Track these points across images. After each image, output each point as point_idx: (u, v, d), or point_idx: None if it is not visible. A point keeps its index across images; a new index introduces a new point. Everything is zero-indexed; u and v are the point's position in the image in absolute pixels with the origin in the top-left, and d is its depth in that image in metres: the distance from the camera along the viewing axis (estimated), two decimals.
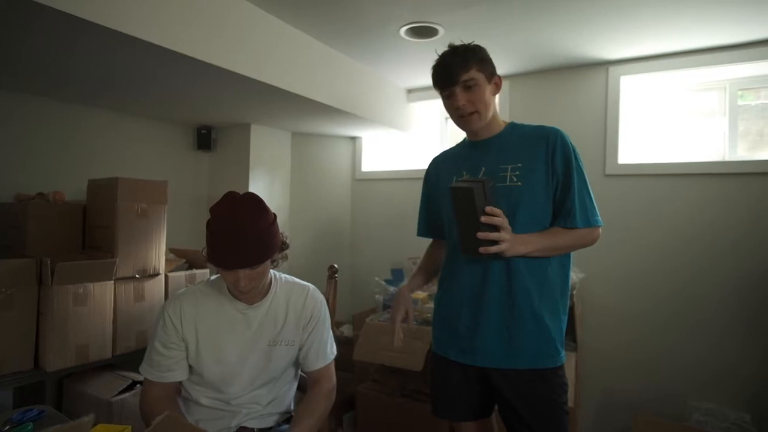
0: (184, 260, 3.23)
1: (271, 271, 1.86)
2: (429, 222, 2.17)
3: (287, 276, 1.96)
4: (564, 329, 1.85)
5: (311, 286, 1.97)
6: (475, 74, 1.77)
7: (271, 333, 1.83)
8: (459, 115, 1.84)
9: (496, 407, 1.96)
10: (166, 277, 2.99)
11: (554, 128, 1.83)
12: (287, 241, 1.84)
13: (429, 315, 2.25)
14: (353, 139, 4.65)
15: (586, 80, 3.48)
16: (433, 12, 2.66)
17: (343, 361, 2.55)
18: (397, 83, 4.06)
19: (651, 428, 2.63)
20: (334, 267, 2.39)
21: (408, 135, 4.39)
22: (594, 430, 3.40)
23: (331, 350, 1.95)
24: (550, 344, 1.78)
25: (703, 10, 2.56)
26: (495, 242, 1.62)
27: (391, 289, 3.46)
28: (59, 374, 2.54)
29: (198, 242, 2.15)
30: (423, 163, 2.27)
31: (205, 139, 4.06)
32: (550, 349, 1.78)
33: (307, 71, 3.03)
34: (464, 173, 1.89)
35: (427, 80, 1.98)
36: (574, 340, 3.02)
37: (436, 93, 1.89)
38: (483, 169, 1.85)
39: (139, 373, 1.81)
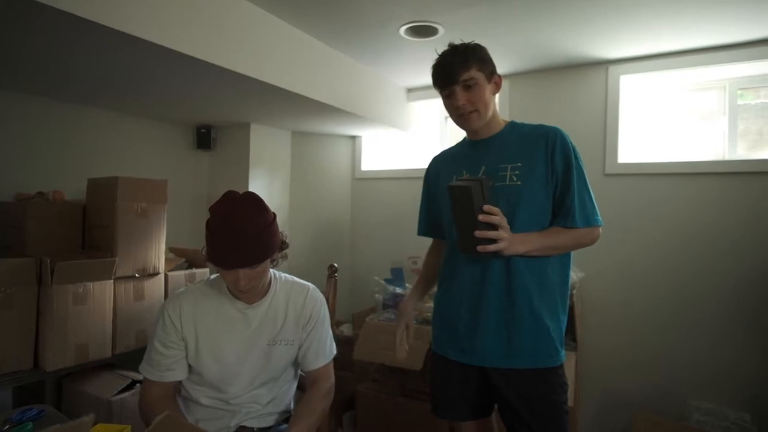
0: (183, 259, 3.24)
1: (271, 270, 1.86)
2: (429, 221, 2.17)
3: (287, 275, 1.97)
4: (564, 329, 1.85)
5: (311, 285, 1.97)
6: (475, 73, 1.77)
7: (271, 332, 1.83)
8: (459, 115, 1.84)
9: (495, 407, 1.96)
10: (166, 276, 2.99)
11: (554, 127, 1.83)
12: (287, 241, 1.84)
13: (429, 314, 2.25)
14: (353, 138, 4.65)
15: (586, 80, 3.48)
16: (433, 11, 2.66)
17: (342, 361, 2.55)
18: (397, 82, 4.06)
19: (651, 427, 2.63)
20: (334, 266, 2.39)
21: (408, 134, 4.39)
22: (594, 429, 3.40)
23: (330, 350, 1.95)
24: (549, 344, 1.78)
25: (703, 10, 2.56)
26: (493, 241, 1.62)
27: (391, 288, 3.46)
28: (59, 373, 2.54)
29: (198, 241, 2.15)
30: (423, 163, 2.27)
31: (204, 138, 4.06)
32: (550, 348, 1.78)
33: (307, 71, 3.03)
34: (464, 172, 1.89)
35: (427, 79, 1.98)
36: (574, 340, 3.02)
37: (435, 92, 1.89)
38: (483, 168, 1.85)
39: (138, 372, 1.81)
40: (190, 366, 1.79)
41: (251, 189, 3.84)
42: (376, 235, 4.45)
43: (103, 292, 2.65)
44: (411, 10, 2.64)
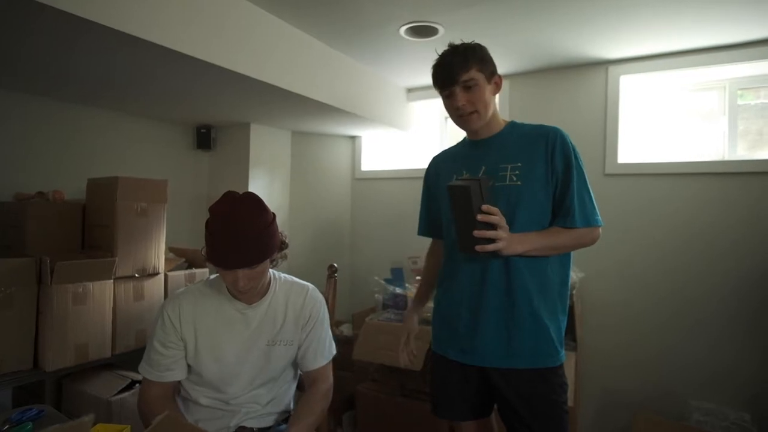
0: (183, 259, 3.23)
1: (271, 270, 1.86)
2: (429, 221, 2.18)
3: (286, 275, 1.97)
4: (563, 329, 1.85)
5: (310, 285, 1.97)
6: (474, 74, 1.77)
7: (270, 332, 1.83)
8: (458, 115, 1.84)
9: (495, 407, 1.96)
10: (166, 276, 2.99)
11: (554, 127, 1.83)
12: (286, 241, 1.84)
13: (428, 315, 2.26)
14: (353, 138, 4.65)
15: (586, 80, 3.48)
16: (433, 11, 2.66)
17: (342, 361, 2.55)
18: (397, 82, 4.06)
19: (651, 427, 2.63)
20: (334, 266, 2.39)
21: (408, 134, 4.39)
22: (594, 429, 3.40)
23: (330, 350, 1.95)
24: (549, 344, 1.78)
25: (703, 10, 2.56)
26: (492, 240, 1.62)
27: (391, 288, 3.46)
28: (58, 373, 2.54)
29: (197, 241, 2.15)
30: (423, 163, 2.27)
31: (204, 138, 4.06)
32: (550, 348, 1.78)
33: (307, 71, 3.03)
34: (464, 172, 1.89)
35: (427, 80, 1.98)
36: (574, 340, 3.02)
37: (435, 92, 1.89)
38: (483, 168, 1.85)
39: (138, 372, 1.81)
40: (189, 366, 1.79)
41: (251, 189, 3.84)
42: (376, 235, 4.45)
43: (103, 292, 2.65)
44: (411, 10, 2.64)
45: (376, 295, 3.59)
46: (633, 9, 2.56)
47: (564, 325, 1.85)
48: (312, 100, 3.09)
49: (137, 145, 3.66)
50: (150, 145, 3.77)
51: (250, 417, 1.83)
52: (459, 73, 1.77)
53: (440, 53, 1.86)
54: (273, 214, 1.74)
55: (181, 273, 3.08)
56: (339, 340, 2.21)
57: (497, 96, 1.92)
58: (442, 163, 2.10)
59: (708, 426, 2.79)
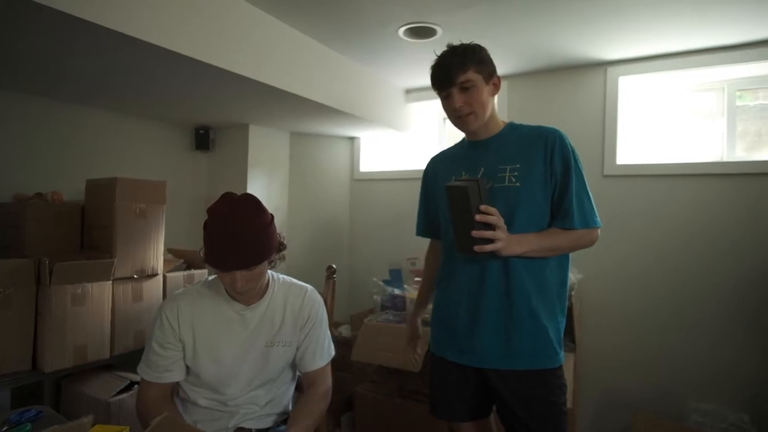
0: (182, 260, 3.23)
1: (269, 271, 1.86)
2: (428, 222, 2.18)
3: (285, 276, 1.96)
4: (562, 330, 1.85)
5: (309, 286, 1.96)
6: (472, 75, 1.77)
7: (269, 334, 1.83)
8: (456, 116, 1.85)
9: (494, 408, 1.96)
10: (165, 277, 2.98)
11: (553, 129, 1.83)
12: (285, 242, 1.84)
13: (427, 316, 2.26)
14: (351, 139, 4.65)
15: (585, 81, 3.48)
16: (432, 12, 2.66)
17: (341, 362, 2.55)
18: (395, 83, 4.06)
19: (650, 428, 2.64)
20: (333, 267, 2.39)
21: (406, 135, 4.39)
22: (593, 430, 3.39)
23: (329, 351, 1.95)
24: (548, 345, 1.78)
25: (702, 11, 2.57)
26: (490, 241, 1.62)
27: (390, 289, 3.45)
28: (57, 374, 2.53)
29: (196, 242, 2.15)
30: (421, 163, 2.28)
31: (203, 139, 4.06)
32: (548, 349, 1.78)
33: (305, 71, 3.03)
34: (463, 173, 1.89)
35: (426, 80, 1.98)
36: (573, 341, 3.02)
37: (434, 93, 1.89)
38: (482, 169, 1.85)
39: (137, 373, 1.81)
40: (187, 367, 1.79)
41: (250, 190, 3.84)
42: (374, 236, 4.45)
43: (102, 292, 2.65)
44: (410, 11, 2.64)
45: (375, 296, 3.59)
46: (632, 10, 2.56)
47: (563, 326, 1.85)
48: (310, 101, 3.09)
49: (136, 145, 3.66)
50: (149, 146, 3.77)
51: (248, 418, 1.83)
52: (456, 75, 1.77)
53: (439, 54, 1.86)
54: (271, 215, 1.74)
55: (180, 274, 3.08)
56: (338, 341, 2.21)
57: (496, 97, 1.91)
58: (441, 163, 2.10)
59: (707, 427, 2.79)
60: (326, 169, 4.56)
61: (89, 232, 2.88)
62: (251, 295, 1.77)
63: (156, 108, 3.46)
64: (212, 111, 3.53)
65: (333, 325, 2.33)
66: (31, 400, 2.67)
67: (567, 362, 1.95)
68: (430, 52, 1.96)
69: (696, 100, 3.43)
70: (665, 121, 3.47)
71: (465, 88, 1.78)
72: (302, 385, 1.97)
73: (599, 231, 1.81)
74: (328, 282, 2.35)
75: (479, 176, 1.83)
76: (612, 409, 3.34)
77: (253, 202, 1.68)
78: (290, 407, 1.97)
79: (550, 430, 1.77)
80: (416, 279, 3.37)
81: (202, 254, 1.67)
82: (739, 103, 3.28)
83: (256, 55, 2.67)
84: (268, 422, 1.88)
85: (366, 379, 3.21)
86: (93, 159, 3.36)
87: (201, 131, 4.05)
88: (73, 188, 3.05)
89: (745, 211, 2.98)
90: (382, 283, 3.57)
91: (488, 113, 1.85)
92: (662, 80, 3.40)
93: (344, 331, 3.84)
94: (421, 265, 2.40)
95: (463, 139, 2.03)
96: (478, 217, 1.61)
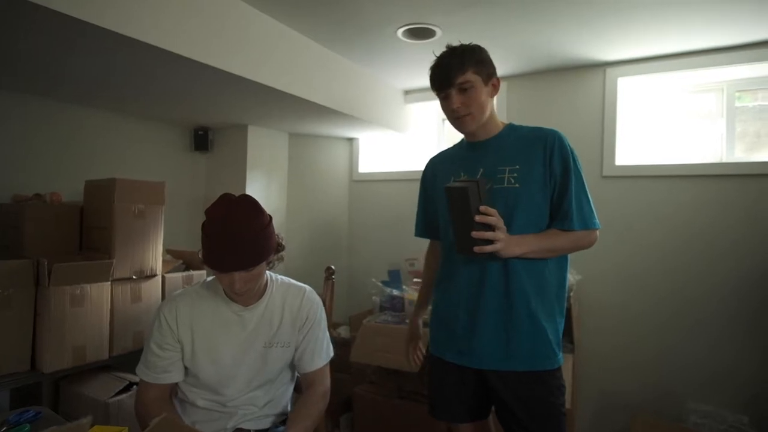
0: (181, 261, 3.23)
1: (268, 272, 1.86)
2: (427, 222, 2.18)
3: (283, 277, 1.96)
4: (561, 331, 1.85)
5: (307, 287, 1.96)
6: (470, 76, 1.76)
7: (267, 335, 1.82)
8: (454, 117, 1.85)
9: (493, 409, 1.96)
10: (163, 278, 2.98)
11: (552, 130, 1.83)
12: (283, 243, 1.84)
13: (426, 317, 2.26)
14: (350, 140, 4.65)
15: (584, 82, 3.49)
16: (431, 13, 2.66)
17: (339, 363, 2.55)
18: (394, 84, 4.07)
19: (649, 429, 2.64)
20: (331, 268, 2.39)
21: (405, 136, 4.39)
22: (591, 431, 3.39)
23: (327, 352, 1.95)
24: (547, 346, 1.78)
25: (701, 12, 2.57)
26: (490, 242, 1.62)
27: (388, 290, 3.46)
28: (56, 375, 2.53)
29: (195, 243, 2.15)
30: (420, 164, 2.28)
31: (202, 140, 4.06)
32: (547, 350, 1.78)
33: (304, 72, 3.03)
34: (462, 174, 1.89)
35: (424, 81, 1.98)
36: (572, 342, 3.02)
37: (433, 94, 1.89)
38: (481, 170, 1.85)
39: (135, 374, 1.81)
40: (186, 368, 1.79)
41: (248, 191, 3.85)
42: (373, 237, 4.45)
43: (101, 293, 2.64)
44: (409, 12, 2.64)
45: (374, 297, 3.59)
46: (631, 11, 2.56)
47: (562, 327, 1.86)
48: (309, 101, 3.09)
49: (135, 146, 3.66)
50: (147, 147, 3.77)
51: (247, 419, 1.83)
52: (455, 75, 1.76)
53: (438, 54, 1.86)
54: (269, 216, 1.74)
55: (179, 275, 3.07)
56: (336, 342, 2.21)
57: (495, 98, 1.91)
58: (440, 164, 2.10)
59: (706, 429, 2.79)
60: (325, 169, 4.56)
61: (88, 232, 2.88)
62: (250, 296, 1.76)
63: (155, 109, 3.45)
64: (211, 112, 3.53)
65: (332, 326, 2.33)
66: (29, 400, 2.67)
67: (566, 363, 1.96)
68: (429, 53, 1.96)
69: (695, 101, 3.43)
70: (664, 122, 3.48)
71: (463, 89, 1.78)
72: (301, 386, 1.97)
73: (598, 232, 1.81)
74: (327, 283, 2.35)
75: (478, 177, 1.83)
76: (611, 410, 3.34)
77: (251, 203, 1.68)
78: (289, 408, 1.97)
79: (549, 431, 1.77)
80: (415, 280, 3.37)
81: (200, 255, 1.67)
82: (738, 104, 3.28)
83: (255, 56, 2.67)
84: (266, 423, 1.88)
85: (365, 380, 3.21)
86: (92, 160, 3.35)
87: (200, 132, 4.04)
88: (71, 189, 3.05)
89: (744, 212, 2.98)
90: (380, 284, 3.57)
91: (487, 114, 1.84)
92: (661, 81, 3.40)
93: (343, 332, 3.84)
94: (419, 266, 2.41)
95: (462, 140, 2.03)
96: (477, 218, 1.61)
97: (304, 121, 3.76)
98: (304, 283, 1.98)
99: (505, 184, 1.78)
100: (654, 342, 3.21)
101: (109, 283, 2.68)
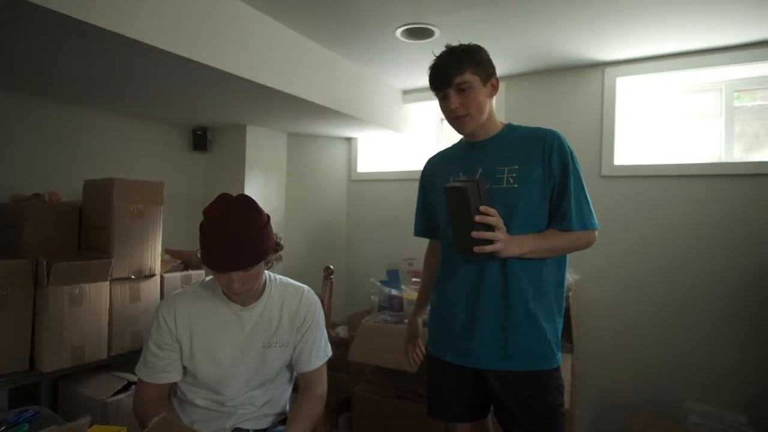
0: (179, 261, 3.23)
1: (266, 272, 1.86)
2: (426, 222, 2.18)
3: (282, 277, 1.96)
4: (560, 331, 1.85)
5: (306, 287, 1.96)
6: (469, 77, 1.76)
7: (266, 334, 1.82)
8: (452, 118, 1.84)
9: (492, 409, 1.96)
10: (162, 277, 2.98)
11: (551, 130, 1.83)
12: (281, 243, 1.84)
13: (425, 316, 2.27)
14: (349, 140, 4.65)
15: (583, 82, 3.49)
16: (430, 13, 2.66)
17: (338, 362, 2.55)
18: (393, 84, 4.06)
19: (647, 429, 2.63)
20: (330, 268, 2.39)
21: (404, 136, 4.39)
22: (590, 431, 3.40)
23: (325, 352, 1.94)
24: (545, 346, 1.78)
25: (700, 12, 2.57)
26: (489, 242, 1.62)
27: (387, 290, 3.45)
28: (55, 375, 2.53)
29: (194, 243, 2.14)
30: (419, 164, 2.28)
31: (200, 140, 4.06)
32: (546, 350, 1.78)
33: (303, 72, 3.03)
34: (461, 174, 1.89)
35: (423, 82, 1.98)
36: (570, 342, 3.02)
37: (431, 94, 1.89)
38: (480, 170, 1.85)
39: (134, 374, 1.81)
40: (185, 368, 1.79)
41: (247, 191, 3.85)
42: (372, 237, 4.45)
43: (99, 293, 2.64)
44: (407, 12, 2.64)
45: (372, 297, 3.59)
46: (630, 11, 2.56)
47: (560, 327, 1.86)
48: (308, 101, 3.09)
49: (133, 146, 3.66)
50: (146, 147, 3.77)
51: (246, 419, 1.83)
52: (453, 76, 1.76)
53: (437, 54, 1.86)
54: (267, 216, 1.74)
55: (177, 275, 3.08)
56: (335, 341, 2.22)
57: (494, 98, 1.91)
58: (439, 164, 2.10)
59: (705, 428, 2.78)
60: (323, 169, 4.56)
61: (87, 232, 2.88)
62: (248, 295, 1.76)
63: (154, 109, 3.45)
64: (210, 112, 3.53)
65: (330, 325, 2.33)
66: (28, 400, 2.67)
67: (564, 363, 1.96)
68: (427, 53, 1.96)
69: (694, 101, 3.44)
70: (663, 121, 3.48)
71: (462, 90, 1.77)
72: (299, 386, 1.97)
73: (597, 233, 1.81)
74: (326, 282, 2.35)
75: (477, 177, 1.83)
76: (609, 409, 3.34)
77: (249, 203, 1.68)
78: (287, 408, 1.97)
79: (548, 431, 1.77)
80: (414, 279, 3.37)
81: (198, 255, 1.67)
82: (736, 104, 3.28)
83: (254, 56, 2.67)
84: (265, 423, 1.88)
85: (363, 380, 3.21)
86: (90, 159, 3.35)
87: (198, 132, 4.05)
88: (70, 189, 3.05)
89: (742, 212, 2.99)
90: (379, 284, 3.57)
91: (485, 115, 1.84)
92: (660, 81, 3.41)
93: (341, 331, 3.83)
94: (418, 265, 2.41)
95: (461, 140, 2.03)
96: (477, 218, 1.61)
97: (302, 120, 3.76)
98: (303, 282, 1.98)
99: (504, 185, 1.78)
100: (652, 341, 3.21)
101: (108, 282, 2.68)
